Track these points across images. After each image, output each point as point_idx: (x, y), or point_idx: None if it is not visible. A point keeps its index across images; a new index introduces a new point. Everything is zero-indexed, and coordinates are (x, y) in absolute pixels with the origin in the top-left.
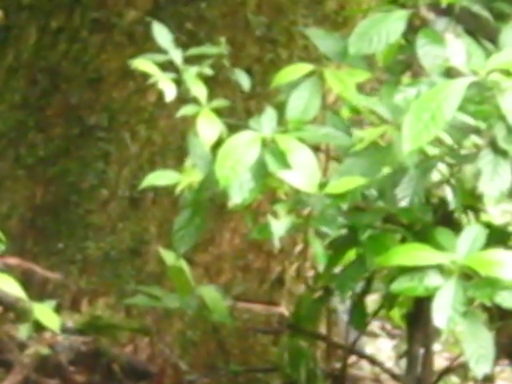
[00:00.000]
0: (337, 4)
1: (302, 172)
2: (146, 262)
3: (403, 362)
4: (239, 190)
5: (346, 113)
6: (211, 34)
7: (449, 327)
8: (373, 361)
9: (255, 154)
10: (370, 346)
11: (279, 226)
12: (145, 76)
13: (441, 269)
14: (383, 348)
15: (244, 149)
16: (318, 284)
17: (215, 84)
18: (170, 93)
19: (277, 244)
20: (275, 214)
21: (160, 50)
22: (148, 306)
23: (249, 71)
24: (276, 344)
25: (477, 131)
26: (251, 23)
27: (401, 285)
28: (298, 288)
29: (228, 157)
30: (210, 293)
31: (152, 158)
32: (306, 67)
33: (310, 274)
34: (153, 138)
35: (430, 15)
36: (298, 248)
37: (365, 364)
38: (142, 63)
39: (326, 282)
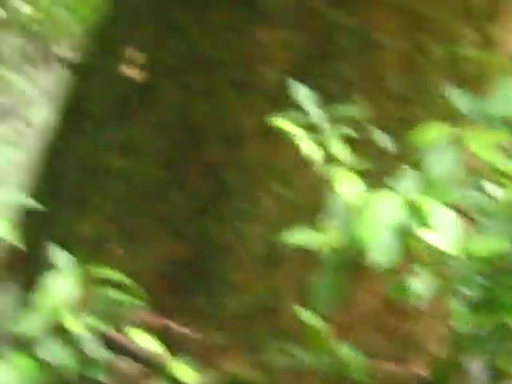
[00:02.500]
0: (476, 68)
1: (445, 234)
2: (282, 320)
3: None
4: (383, 252)
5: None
6: (346, 90)
7: None
8: None
9: (398, 214)
10: None
11: (422, 287)
12: (282, 134)
13: None
14: None
15: (386, 209)
16: (457, 345)
17: (353, 142)
18: (315, 156)
19: (421, 306)
20: (415, 274)
21: (298, 109)
22: (284, 365)
23: (384, 130)
24: None
25: None
26: (387, 81)
27: None
28: (435, 348)
29: (370, 217)
30: (347, 351)
31: (287, 216)
32: (445, 129)
33: (447, 334)
34: (288, 196)
35: None
36: (435, 307)
37: None
38: (282, 122)
39: (466, 345)
